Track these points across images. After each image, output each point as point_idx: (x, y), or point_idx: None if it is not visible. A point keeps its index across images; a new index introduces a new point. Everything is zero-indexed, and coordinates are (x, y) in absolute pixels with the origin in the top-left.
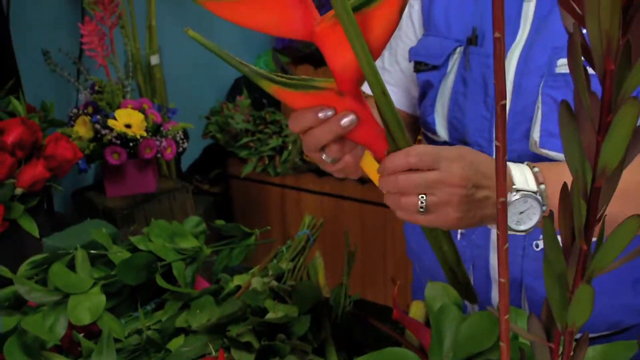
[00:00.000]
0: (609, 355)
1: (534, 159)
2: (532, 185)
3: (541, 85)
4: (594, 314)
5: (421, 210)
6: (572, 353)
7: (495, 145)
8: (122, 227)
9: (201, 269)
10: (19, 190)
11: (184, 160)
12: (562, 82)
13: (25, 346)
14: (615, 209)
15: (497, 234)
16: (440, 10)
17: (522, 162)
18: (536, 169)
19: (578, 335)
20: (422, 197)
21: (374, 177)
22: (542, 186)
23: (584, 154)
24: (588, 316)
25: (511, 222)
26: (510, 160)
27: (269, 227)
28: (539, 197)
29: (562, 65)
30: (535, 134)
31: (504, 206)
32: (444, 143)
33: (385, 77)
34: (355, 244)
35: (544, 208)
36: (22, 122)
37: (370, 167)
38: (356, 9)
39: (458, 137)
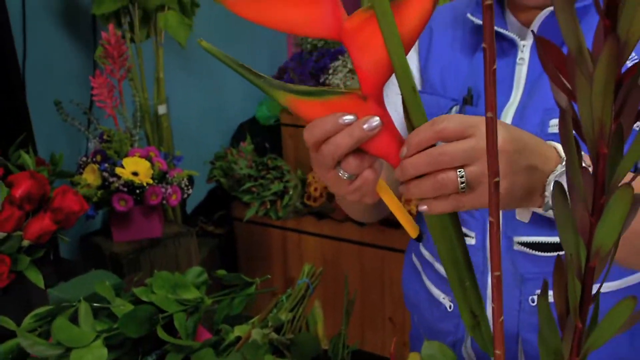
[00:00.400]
0: None
1: (536, 217)
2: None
3: None
4: None
5: (462, 187)
6: None
7: (487, 117)
8: (128, 272)
9: (203, 318)
10: (25, 242)
11: (189, 202)
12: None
13: None
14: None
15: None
16: (436, 69)
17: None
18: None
19: None
20: (461, 171)
21: (391, 202)
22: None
23: (577, 233)
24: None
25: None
26: (504, 216)
27: (269, 276)
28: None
29: (554, 126)
30: None
31: (496, 186)
32: None
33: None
34: (355, 289)
35: None
36: (31, 176)
37: (387, 192)
38: None
39: None
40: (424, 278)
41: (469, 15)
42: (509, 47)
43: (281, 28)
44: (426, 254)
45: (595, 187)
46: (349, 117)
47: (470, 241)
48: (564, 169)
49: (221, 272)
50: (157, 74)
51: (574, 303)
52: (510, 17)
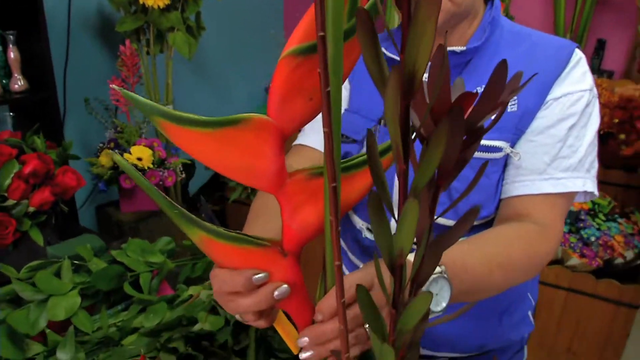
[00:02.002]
0: None
1: None
2: (436, 268)
3: None
4: (465, 338)
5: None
6: None
7: (325, 132)
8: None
9: (171, 280)
10: (31, 209)
11: (193, 185)
12: None
13: (13, 334)
14: (499, 278)
15: None
16: (364, 95)
17: None
18: None
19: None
20: (367, 325)
21: (287, 338)
22: (443, 266)
23: (391, 237)
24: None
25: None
26: None
27: None
28: (445, 276)
29: None
30: None
31: (334, 191)
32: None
33: (318, 128)
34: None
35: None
36: (39, 157)
37: (286, 331)
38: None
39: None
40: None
41: (383, 49)
42: None
43: (220, 170)
44: (343, 244)
45: (400, 195)
46: (260, 277)
47: (372, 236)
48: (433, 276)
49: (187, 242)
50: (167, 80)
51: (387, 294)
52: None
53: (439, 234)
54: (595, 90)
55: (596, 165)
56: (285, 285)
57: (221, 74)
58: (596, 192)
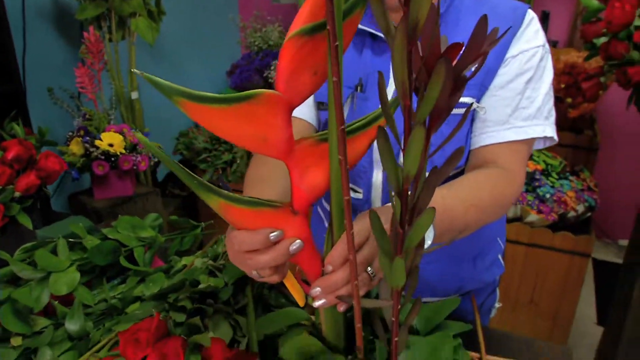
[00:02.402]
0: (439, 309)
1: None
2: None
3: None
4: (443, 281)
5: (372, 277)
6: (399, 306)
7: (333, 81)
8: (107, 222)
9: (159, 254)
10: (17, 194)
11: (160, 172)
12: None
13: (17, 311)
14: (472, 218)
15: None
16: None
17: None
18: None
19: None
20: (369, 269)
21: (294, 291)
22: None
23: (396, 165)
24: (404, 280)
25: None
26: (384, 176)
27: (212, 221)
28: None
29: None
30: (402, 157)
31: (342, 132)
32: None
33: None
34: None
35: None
36: (20, 142)
37: (293, 286)
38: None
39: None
40: (327, 225)
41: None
42: (386, 46)
43: (237, 142)
44: (328, 206)
45: (405, 130)
46: (276, 234)
47: (358, 195)
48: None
49: (173, 217)
50: (130, 66)
51: (396, 215)
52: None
53: (430, 171)
54: (547, 46)
55: (554, 113)
56: (299, 240)
57: (182, 59)
58: (555, 137)
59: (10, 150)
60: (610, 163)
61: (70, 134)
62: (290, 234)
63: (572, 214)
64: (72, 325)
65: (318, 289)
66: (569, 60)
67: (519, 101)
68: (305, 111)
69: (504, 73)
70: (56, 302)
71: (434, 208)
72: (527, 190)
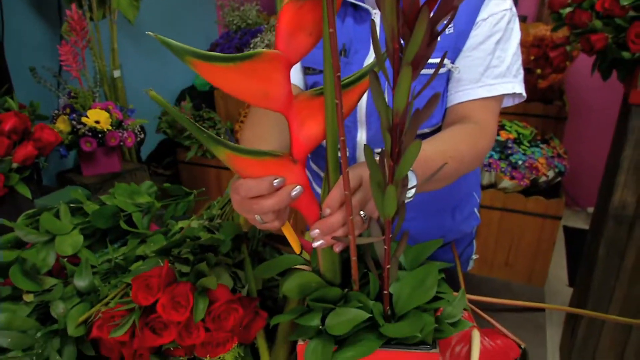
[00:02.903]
0: (423, 249)
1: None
2: None
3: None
4: (424, 232)
5: (365, 221)
6: (390, 235)
7: (330, 32)
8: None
9: (155, 221)
10: (15, 165)
11: (143, 151)
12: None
13: (25, 272)
14: (451, 168)
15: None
16: None
17: (376, 135)
18: None
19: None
20: (362, 213)
21: (291, 239)
22: None
23: (386, 102)
24: (395, 208)
25: None
26: (367, 135)
27: (204, 188)
28: (412, 169)
29: None
30: None
31: (338, 79)
32: None
33: None
34: None
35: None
36: (16, 114)
37: (290, 235)
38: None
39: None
40: (314, 186)
41: None
42: (366, 15)
43: (240, 96)
44: (314, 167)
45: (394, 71)
46: (279, 180)
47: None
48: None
49: (167, 185)
50: (112, 45)
51: (387, 149)
52: None
53: (414, 112)
54: (514, 9)
55: (522, 72)
56: (299, 187)
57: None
58: (524, 94)
59: (6, 122)
60: (578, 132)
61: (56, 112)
62: (291, 180)
63: (543, 179)
64: (80, 282)
65: (317, 230)
66: (538, 34)
67: (489, 61)
68: (294, 75)
69: (476, 35)
70: (64, 260)
71: (419, 141)
72: (500, 158)
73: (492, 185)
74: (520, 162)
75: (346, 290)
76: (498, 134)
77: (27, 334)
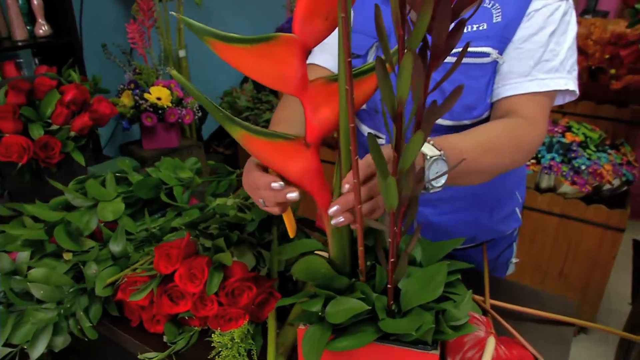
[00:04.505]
0: (441, 247)
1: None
2: (436, 151)
3: None
4: (460, 229)
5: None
6: (395, 228)
7: (341, 17)
8: None
9: (197, 196)
10: (72, 133)
11: (205, 130)
12: (441, 67)
13: (69, 233)
14: (489, 161)
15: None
16: (364, 13)
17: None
18: (432, 142)
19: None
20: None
21: (288, 225)
22: (442, 151)
23: (392, 92)
24: (396, 200)
25: (430, 182)
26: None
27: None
28: (444, 158)
29: None
30: None
31: (349, 64)
32: (363, 111)
33: (327, 49)
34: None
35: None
36: (76, 87)
37: (289, 220)
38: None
39: (372, 107)
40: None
41: None
42: None
43: (257, 78)
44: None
45: (399, 59)
46: (276, 185)
47: (381, 141)
48: (428, 162)
49: (211, 162)
50: (179, 26)
51: (392, 139)
52: None
53: (430, 105)
54: (571, 1)
55: (576, 68)
56: (297, 193)
57: (228, 21)
58: (577, 91)
59: (67, 94)
60: None
61: (122, 86)
62: (303, 164)
63: (607, 186)
64: (115, 247)
65: (336, 207)
66: (616, 31)
67: (542, 54)
68: (325, 59)
69: (528, 26)
70: (102, 225)
71: (422, 133)
72: (562, 161)
73: (551, 189)
74: (583, 167)
75: (353, 280)
76: (563, 136)
77: (60, 289)
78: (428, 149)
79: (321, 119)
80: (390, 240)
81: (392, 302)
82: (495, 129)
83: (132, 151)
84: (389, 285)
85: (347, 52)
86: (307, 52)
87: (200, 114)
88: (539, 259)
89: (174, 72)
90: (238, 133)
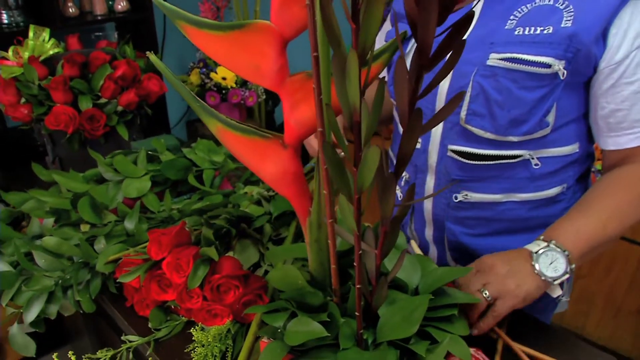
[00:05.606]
0: (443, 275)
1: (462, 130)
2: (560, 269)
3: (474, 73)
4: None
5: (488, 299)
6: (359, 252)
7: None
8: None
9: (234, 181)
10: (119, 108)
11: (279, 116)
12: (489, 72)
13: (93, 205)
14: (614, 228)
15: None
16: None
17: (453, 130)
18: (553, 242)
19: None
20: (485, 293)
21: None
22: (551, 241)
23: (348, 97)
24: (353, 224)
25: (547, 271)
26: (443, 128)
27: None
28: (553, 246)
29: (493, 59)
30: (463, 112)
31: (316, 60)
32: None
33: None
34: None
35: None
36: (127, 63)
37: None
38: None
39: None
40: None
41: None
42: None
43: (231, 68)
44: (391, 154)
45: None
46: None
47: (417, 145)
48: (540, 250)
49: None
50: (255, 7)
51: (354, 151)
52: None
53: (414, 113)
54: None
55: None
56: None
57: None
58: None
59: (118, 69)
60: None
61: (193, 64)
62: (279, 166)
63: None
64: (129, 224)
65: None
66: None
67: None
68: None
69: (619, 46)
70: (120, 202)
71: (376, 147)
72: None
73: None
74: None
75: (328, 299)
76: None
77: (61, 260)
78: (551, 269)
79: (299, 118)
80: (356, 264)
81: (361, 330)
82: (609, 191)
83: (197, 128)
84: (356, 313)
85: (313, 46)
86: (286, 43)
87: (264, 97)
88: (614, 293)
89: (153, 56)
90: (214, 126)
